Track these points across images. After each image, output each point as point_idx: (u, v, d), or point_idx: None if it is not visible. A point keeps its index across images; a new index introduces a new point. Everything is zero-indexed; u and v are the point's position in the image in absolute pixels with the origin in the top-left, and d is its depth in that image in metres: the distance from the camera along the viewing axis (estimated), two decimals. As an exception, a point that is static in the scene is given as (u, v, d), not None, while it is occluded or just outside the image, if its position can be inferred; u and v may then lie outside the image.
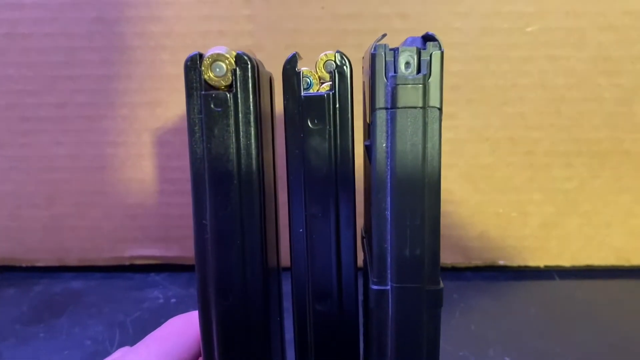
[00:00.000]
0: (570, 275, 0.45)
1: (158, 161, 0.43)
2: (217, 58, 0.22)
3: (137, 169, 0.43)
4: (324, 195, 0.23)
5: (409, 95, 0.22)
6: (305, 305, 0.24)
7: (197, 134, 0.22)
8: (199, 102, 0.22)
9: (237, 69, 0.22)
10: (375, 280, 0.22)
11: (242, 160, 0.22)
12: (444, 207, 0.43)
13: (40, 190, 0.43)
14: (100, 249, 0.45)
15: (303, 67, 0.23)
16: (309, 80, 0.23)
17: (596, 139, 0.41)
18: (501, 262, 0.45)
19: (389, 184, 0.23)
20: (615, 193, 0.42)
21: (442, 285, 0.23)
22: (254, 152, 0.22)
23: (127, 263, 0.46)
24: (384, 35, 0.22)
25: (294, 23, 0.39)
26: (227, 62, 0.22)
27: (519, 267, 0.45)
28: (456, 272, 0.45)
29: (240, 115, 0.22)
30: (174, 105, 0.41)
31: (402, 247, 0.22)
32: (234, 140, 0.22)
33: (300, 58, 0.23)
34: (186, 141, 0.43)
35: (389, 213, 0.23)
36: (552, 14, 0.39)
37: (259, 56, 0.40)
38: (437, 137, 0.22)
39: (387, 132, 0.22)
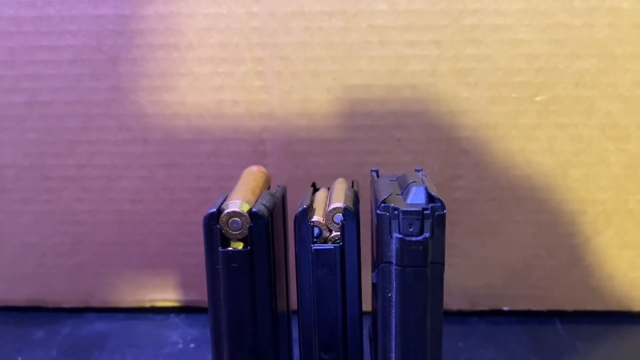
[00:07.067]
0: (572, 320, 0.47)
1: (175, 216, 0.44)
2: (233, 215, 0.23)
3: (155, 223, 0.44)
4: (333, 337, 0.24)
5: (413, 257, 0.23)
6: None
7: (216, 284, 0.24)
8: (217, 256, 0.23)
9: (253, 225, 0.23)
10: None
11: (257, 309, 0.24)
12: (451, 259, 0.44)
13: (63, 241, 0.46)
14: (122, 293, 0.47)
15: (313, 218, 0.24)
16: (318, 230, 0.24)
17: (601, 199, 0.42)
18: (505, 308, 0.46)
19: (393, 331, 0.24)
20: (619, 248, 0.44)
21: None
22: (268, 299, 0.24)
23: (148, 305, 0.48)
24: (389, 194, 0.23)
25: (305, 93, 0.40)
26: (243, 218, 0.23)
27: (522, 311, 0.47)
28: (462, 317, 0.47)
29: (255, 268, 0.23)
30: (189, 167, 0.42)
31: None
32: (250, 290, 0.24)
33: (312, 210, 0.24)
34: (202, 199, 0.45)
35: (393, 355, 0.24)
36: (562, 84, 0.39)
37: (271, 123, 0.41)
38: (440, 290, 0.24)
39: (392, 284, 0.24)
